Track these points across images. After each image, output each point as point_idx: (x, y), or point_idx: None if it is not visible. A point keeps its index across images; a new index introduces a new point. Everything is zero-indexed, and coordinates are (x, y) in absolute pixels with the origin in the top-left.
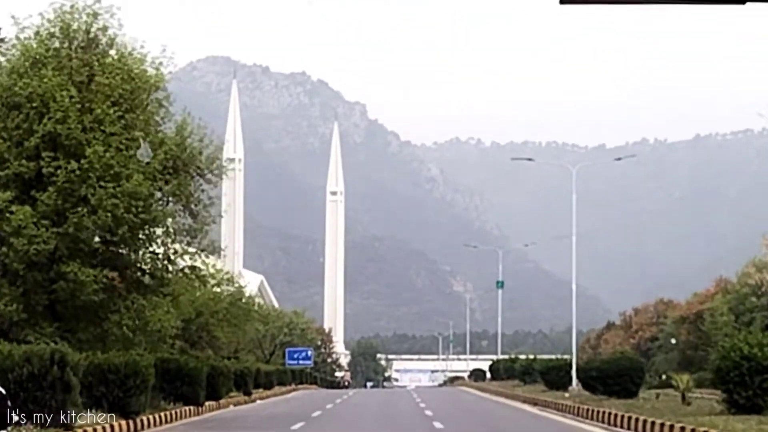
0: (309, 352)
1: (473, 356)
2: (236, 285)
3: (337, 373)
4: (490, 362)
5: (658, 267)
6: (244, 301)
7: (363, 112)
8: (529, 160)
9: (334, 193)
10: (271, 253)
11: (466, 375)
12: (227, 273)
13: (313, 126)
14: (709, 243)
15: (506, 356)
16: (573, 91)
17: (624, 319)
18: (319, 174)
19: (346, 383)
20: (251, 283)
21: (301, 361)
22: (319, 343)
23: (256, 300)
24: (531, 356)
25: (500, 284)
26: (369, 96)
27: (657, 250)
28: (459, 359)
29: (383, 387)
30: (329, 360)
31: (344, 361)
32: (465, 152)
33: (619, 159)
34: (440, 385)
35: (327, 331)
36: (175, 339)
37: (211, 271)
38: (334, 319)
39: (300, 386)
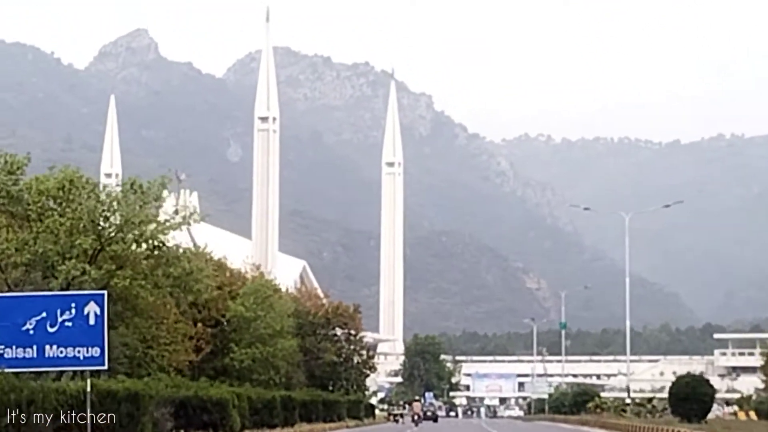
0: (88, 316)
1: (599, 358)
2: None
3: (374, 380)
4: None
5: (737, 265)
6: None
7: (429, 104)
8: (586, 209)
9: (390, 164)
10: (332, 249)
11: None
12: None
13: (376, 118)
14: None
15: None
16: (647, 86)
17: None
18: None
19: (396, 416)
20: (291, 268)
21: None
22: (340, 332)
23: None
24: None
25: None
26: (435, 88)
27: (735, 247)
28: (567, 361)
29: (448, 408)
30: (356, 360)
31: (390, 366)
32: (535, 148)
33: (667, 206)
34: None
35: (351, 309)
36: None
37: None
38: (391, 315)
39: None
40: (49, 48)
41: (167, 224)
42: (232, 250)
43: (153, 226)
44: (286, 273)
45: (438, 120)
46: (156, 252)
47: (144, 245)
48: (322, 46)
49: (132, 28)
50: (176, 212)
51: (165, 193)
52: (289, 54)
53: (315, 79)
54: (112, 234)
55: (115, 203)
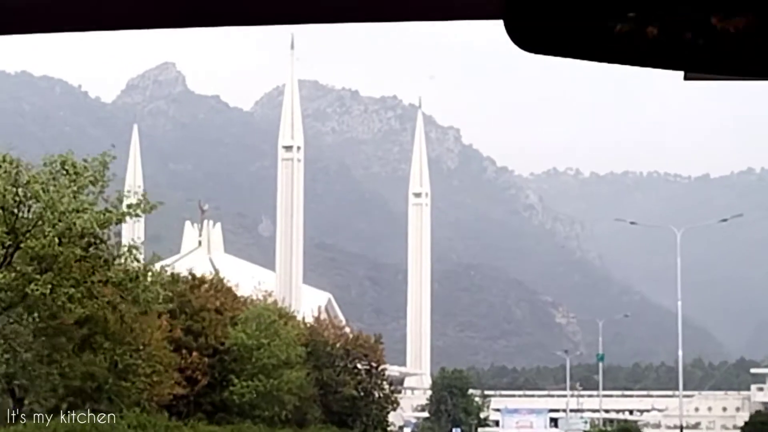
0: None
1: (632, 392)
2: None
3: (400, 415)
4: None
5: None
6: None
7: (457, 137)
8: (632, 223)
9: (417, 195)
10: (359, 282)
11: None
12: None
13: (404, 152)
14: None
15: None
16: (675, 119)
17: None
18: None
19: None
20: (315, 300)
21: None
22: (360, 365)
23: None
24: None
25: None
26: (463, 121)
27: (765, 281)
28: (603, 395)
29: None
30: (378, 395)
31: (417, 400)
32: (563, 182)
33: (724, 220)
34: None
35: (372, 340)
36: None
37: None
38: (418, 349)
39: None
40: (77, 81)
41: (106, 215)
42: (255, 281)
43: (86, 216)
44: (311, 305)
45: (466, 153)
46: (92, 251)
47: (78, 242)
48: (349, 80)
49: (159, 62)
50: (120, 200)
51: (108, 174)
52: (316, 87)
53: (343, 113)
54: (31, 227)
55: (37, 186)
